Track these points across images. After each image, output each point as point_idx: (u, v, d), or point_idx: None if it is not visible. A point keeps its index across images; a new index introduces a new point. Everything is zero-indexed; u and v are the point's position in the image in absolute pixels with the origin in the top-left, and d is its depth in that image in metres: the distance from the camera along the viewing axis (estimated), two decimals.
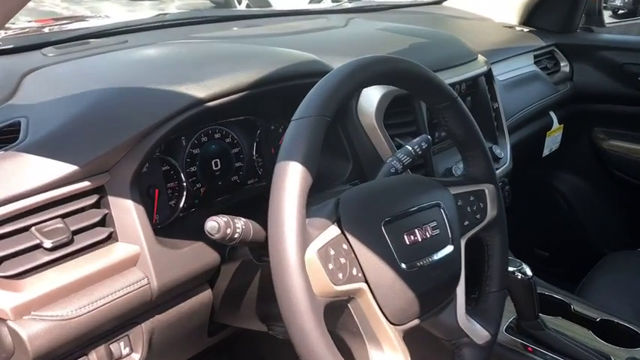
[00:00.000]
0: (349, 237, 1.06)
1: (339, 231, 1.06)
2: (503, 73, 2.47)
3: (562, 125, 2.95)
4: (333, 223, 1.07)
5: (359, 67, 1.13)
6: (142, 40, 1.93)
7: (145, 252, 1.20)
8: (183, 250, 1.29)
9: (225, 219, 1.04)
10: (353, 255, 1.05)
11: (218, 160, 1.56)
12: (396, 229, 1.13)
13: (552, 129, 2.90)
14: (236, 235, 1.06)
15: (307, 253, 0.97)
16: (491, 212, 1.39)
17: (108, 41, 1.85)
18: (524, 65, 2.69)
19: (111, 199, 1.21)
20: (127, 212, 1.21)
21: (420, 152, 1.48)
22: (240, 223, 1.07)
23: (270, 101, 1.62)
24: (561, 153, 3.01)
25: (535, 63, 2.79)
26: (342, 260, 1.02)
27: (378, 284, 1.06)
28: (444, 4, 3.30)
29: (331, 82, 1.08)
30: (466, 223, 1.32)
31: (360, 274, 1.05)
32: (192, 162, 1.50)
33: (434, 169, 1.80)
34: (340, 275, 1.01)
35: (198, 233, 1.40)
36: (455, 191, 1.32)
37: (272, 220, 0.96)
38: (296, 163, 0.98)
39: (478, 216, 1.36)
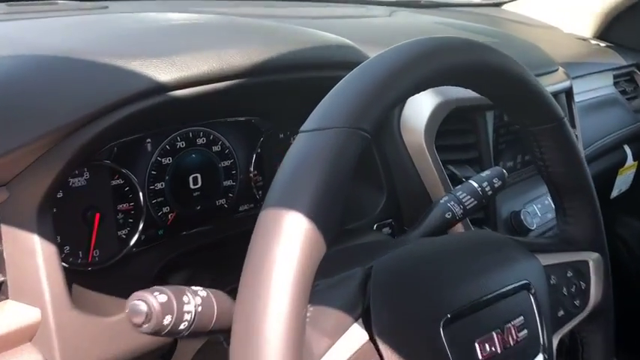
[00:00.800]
0: (384, 349, 0.59)
1: (366, 336, 0.60)
2: (580, 92, 1.98)
3: (636, 162, 2.45)
4: (356, 321, 0.61)
5: (423, 54, 0.66)
6: (126, 8, 1.49)
7: (48, 319, 0.75)
8: (118, 316, 0.83)
9: (163, 297, 0.57)
10: None
11: (199, 175, 1.10)
12: (463, 335, 0.66)
13: (625, 166, 2.40)
14: (182, 327, 0.59)
15: None
16: (595, 296, 0.92)
17: (81, 5, 1.41)
18: (603, 86, 2.20)
19: (4, 229, 0.76)
20: (28, 253, 0.75)
21: (490, 193, 1.01)
22: (194, 303, 0.61)
23: (281, 97, 1.16)
24: (631, 195, 2.51)
25: (614, 85, 2.29)
26: None
27: None
28: (504, 7, 2.81)
29: (374, 78, 0.62)
30: (561, 313, 0.85)
31: None
32: (160, 176, 1.04)
33: (496, 213, 1.32)
34: None
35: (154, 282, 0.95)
36: (546, 261, 0.85)
37: (239, 324, 0.50)
38: (302, 215, 0.52)
39: (577, 302, 0.89)
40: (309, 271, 0.51)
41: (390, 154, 1.22)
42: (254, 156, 1.18)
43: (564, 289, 0.86)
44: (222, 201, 1.15)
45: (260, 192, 1.20)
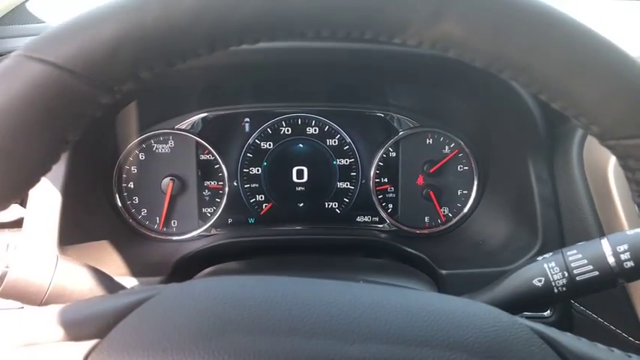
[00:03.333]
0: None
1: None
2: None
3: None
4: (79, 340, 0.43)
5: None
6: None
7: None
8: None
9: None
10: None
11: (305, 169, 0.97)
12: None
13: None
14: None
15: None
16: None
17: None
18: None
19: None
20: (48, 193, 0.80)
21: (629, 266, 0.58)
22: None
23: (424, 91, 0.93)
24: None
25: None
26: None
27: None
28: None
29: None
30: None
31: None
32: (257, 161, 0.97)
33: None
34: None
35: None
36: None
37: None
38: None
39: None
40: None
41: (560, 186, 0.83)
42: (382, 159, 0.97)
43: None
44: (334, 204, 0.99)
45: (387, 205, 0.99)
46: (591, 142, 0.81)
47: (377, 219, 0.99)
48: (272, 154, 0.97)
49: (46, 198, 0.80)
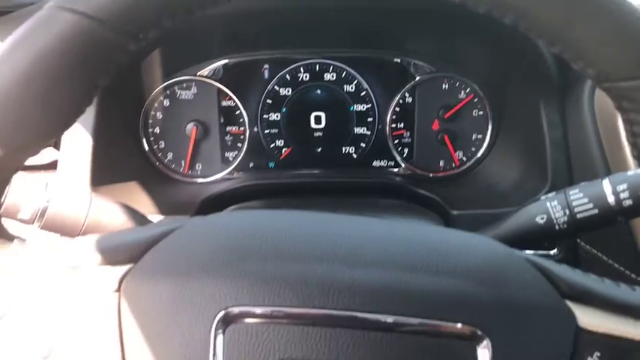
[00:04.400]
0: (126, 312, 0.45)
1: (115, 286, 0.46)
2: None
3: None
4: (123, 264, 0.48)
5: None
6: None
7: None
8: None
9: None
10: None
11: (322, 114, 1.00)
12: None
13: None
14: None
15: None
16: None
17: None
18: None
19: None
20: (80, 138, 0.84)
21: (628, 205, 0.61)
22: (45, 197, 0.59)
23: (439, 35, 0.94)
24: None
25: None
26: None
27: None
28: None
29: None
30: None
31: None
32: (276, 107, 1.00)
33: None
34: None
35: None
36: (597, 324, 0.48)
37: None
38: None
39: None
40: None
41: (571, 131, 0.85)
42: (399, 105, 1.00)
43: None
44: (351, 149, 1.02)
45: (402, 149, 1.02)
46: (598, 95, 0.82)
47: (392, 163, 1.02)
48: (291, 100, 1.00)
49: (78, 142, 0.85)
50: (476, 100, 0.99)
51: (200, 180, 1.01)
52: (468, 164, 1.01)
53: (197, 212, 0.90)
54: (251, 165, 1.02)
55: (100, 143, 0.86)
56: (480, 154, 1.01)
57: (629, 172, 0.62)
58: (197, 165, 1.01)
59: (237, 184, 0.99)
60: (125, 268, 0.47)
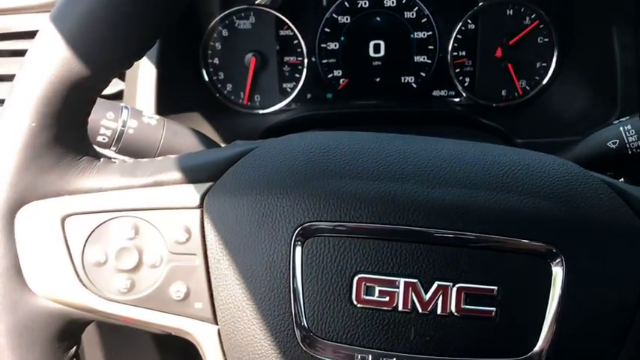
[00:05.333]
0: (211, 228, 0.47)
1: (197, 202, 0.48)
2: None
3: None
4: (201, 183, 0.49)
5: None
6: None
7: None
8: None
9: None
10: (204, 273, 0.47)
11: (382, 43, 0.99)
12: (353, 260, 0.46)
13: None
14: (99, 139, 0.61)
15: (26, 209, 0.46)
16: None
17: None
18: None
19: None
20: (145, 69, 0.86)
21: None
22: (121, 121, 0.61)
23: None
24: None
25: None
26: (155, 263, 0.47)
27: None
28: None
29: None
30: None
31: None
32: (334, 36, 0.99)
33: None
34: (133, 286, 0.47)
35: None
36: None
37: None
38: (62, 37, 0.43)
39: None
40: (49, 87, 0.43)
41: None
42: (461, 32, 0.97)
43: None
44: (411, 79, 1.01)
45: (464, 79, 0.99)
46: None
47: (453, 93, 1.01)
48: (349, 28, 0.98)
49: (142, 73, 0.86)
50: (542, 26, 0.95)
51: (259, 111, 1.02)
52: (532, 93, 0.98)
53: None
54: (309, 96, 1.02)
55: (162, 75, 0.87)
56: (544, 83, 0.98)
57: None
58: (256, 96, 1.02)
59: (296, 114, 0.99)
60: (206, 185, 0.49)
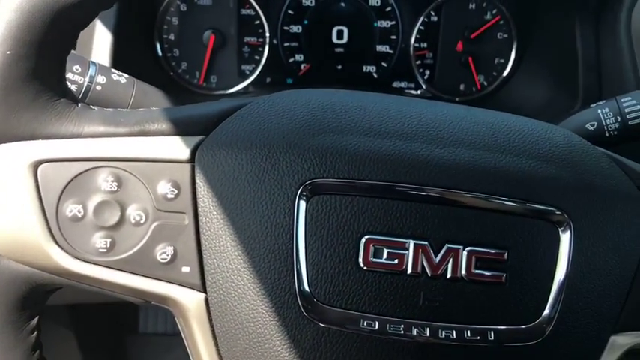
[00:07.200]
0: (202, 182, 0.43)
1: (187, 155, 0.44)
2: None
3: None
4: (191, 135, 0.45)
5: None
6: None
7: None
8: None
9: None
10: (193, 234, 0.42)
11: (345, 29, 0.97)
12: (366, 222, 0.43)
13: None
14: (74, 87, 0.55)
15: None
16: None
17: None
18: None
19: None
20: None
21: None
22: (88, 76, 0.56)
23: None
24: None
25: None
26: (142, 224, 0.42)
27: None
28: None
29: None
30: None
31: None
32: (297, 19, 0.96)
33: None
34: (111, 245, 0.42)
35: None
36: None
37: None
38: None
39: None
40: (32, 11, 0.38)
41: (605, 50, 0.84)
42: (424, 23, 0.97)
43: None
44: (372, 68, 1.00)
45: (424, 71, 0.99)
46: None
47: (413, 85, 1.00)
48: (313, 12, 0.96)
49: (97, 42, 0.80)
50: (502, 22, 0.97)
51: (214, 93, 0.97)
52: (490, 88, 1.00)
53: None
54: (268, 80, 0.98)
55: (117, 46, 0.81)
56: (502, 77, 0.99)
57: None
58: (212, 77, 0.97)
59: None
60: (198, 138, 0.44)
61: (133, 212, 0.42)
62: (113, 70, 0.59)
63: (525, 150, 0.46)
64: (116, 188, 0.41)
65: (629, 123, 0.63)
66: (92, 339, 1.22)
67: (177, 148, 0.43)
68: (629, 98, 0.63)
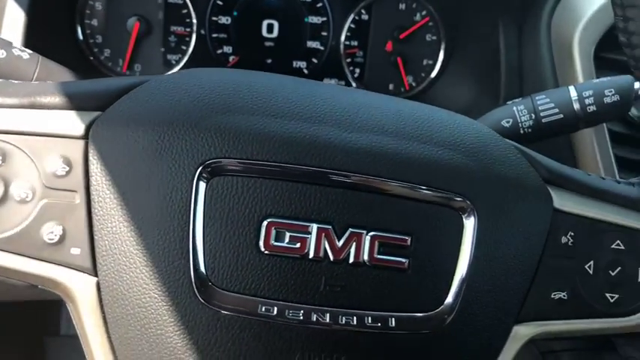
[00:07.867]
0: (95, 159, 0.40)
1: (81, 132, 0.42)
2: None
3: None
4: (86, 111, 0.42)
5: None
6: None
7: None
8: None
9: None
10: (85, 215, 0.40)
11: (275, 23, 0.96)
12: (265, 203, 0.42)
13: None
14: None
15: None
16: None
17: None
18: None
19: None
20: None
21: (591, 110, 0.63)
22: None
23: None
24: None
25: None
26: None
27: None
28: None
29: None
30: (559, 295, 0.49)
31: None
32: (226, 10, 0.94)
33: None
34: None
35: None
36: (573, 208, 0.49)
37: None
38: None
39: (615, 296, 0.50)
40: None
41: (526, 54, 0.87)
42: (354, 21, 0.97)
43: (596, 265, 0.48)
44: (302, 64, 0.99)
45: (354, 69, 0.99)
46: (561, 11, 0.84)
47: (343, 83, 1.00)
48: (243, 4, 0.94)
49: (7, 19, 0.76)
50: (431, 24, 0.98)
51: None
52: (418, 89, 1.01)
53: None
54: None
55: (32, 24, 0.77)
56: (430, 78, 1.00)
57: (595, 80, 0.64)
58: (136, 65, 0.94)
59: None
60: (93, 114, 0.42)
61: (18, 189, 0.39)
62: (15, 45, 0.56)
63: (432, 137, 0.46)
64: (0, 162, 0.38)
65: (543, 121, 0.64)
66: (7, 340, 1.16)
67: (71, 122, 0.41)
68: (544, 97, 0.65)
